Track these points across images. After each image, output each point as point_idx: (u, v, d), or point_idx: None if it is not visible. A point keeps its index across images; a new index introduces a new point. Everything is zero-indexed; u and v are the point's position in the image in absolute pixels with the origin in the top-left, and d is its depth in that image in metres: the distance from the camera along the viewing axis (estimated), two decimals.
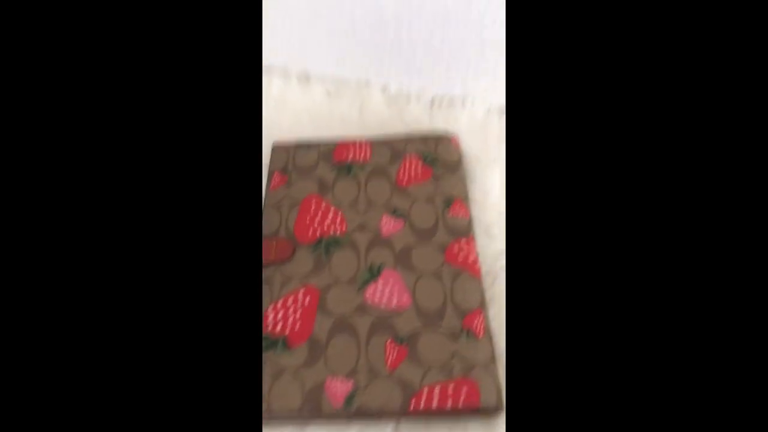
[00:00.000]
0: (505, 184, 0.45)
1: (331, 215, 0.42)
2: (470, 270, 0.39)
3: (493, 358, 0.35)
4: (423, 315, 0.37)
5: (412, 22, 0.48)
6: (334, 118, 0.52)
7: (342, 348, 0.35)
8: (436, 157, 0.45)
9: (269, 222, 0.42)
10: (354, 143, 0.47)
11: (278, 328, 0.36)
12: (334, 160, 0.45)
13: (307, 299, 0.38)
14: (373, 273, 0.39)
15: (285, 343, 0.36)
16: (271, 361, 0.35)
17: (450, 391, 0.33)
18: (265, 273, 0.39)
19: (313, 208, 0.42)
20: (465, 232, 0.41)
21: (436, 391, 0.34)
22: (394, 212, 0.42)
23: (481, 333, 0.36)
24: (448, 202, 0.42)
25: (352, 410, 0.33)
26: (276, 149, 0.47)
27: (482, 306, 0.37)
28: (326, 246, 0.40)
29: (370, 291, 0.38)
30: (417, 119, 0.51)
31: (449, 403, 0.33)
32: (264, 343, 0.36)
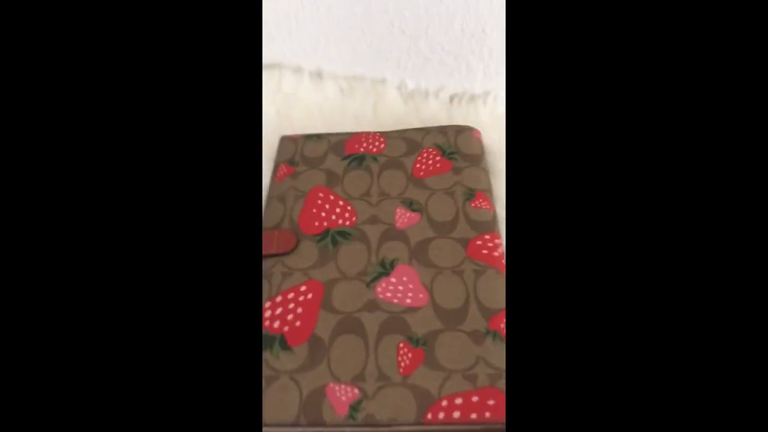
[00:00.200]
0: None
1: (339, 207, 0.38)
2: (496, 266, 0.34)
3: None
4: (442, 314, 0.32)
5: (430, 18, 0.46)
6: (347, 115, 0.49)
7: (348, 349, 0.31)
8: (457, 149, 0.42)
9: (272, 214, 0.38)
10: (367, 135, 0.43)
11: (276, 325, 0.32)
12: (345, 152, 0.42)
13: (310, 294, 0.33)
14: (386, 268, 0.34)
15: (283, 342, 0.31)
16: (265, 364, 0.30)
17: (474, 401, 0.28)
18: (265, 266, 0.35)
19: (320, 199, 0.39)
20: (489, 227, 0.36)
21: (458, 401, 0.28)
22: (410, 205, 0.38)
23: None
24: (470, 195, 0.38)
25: (358, 420, 0.28)
26: (284, 140, 0.44)
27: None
28: (333, 238, 0.36)
29: (381, 286, 0.33)
30: (435, 116, 0.48)
31: (473, 417, 0.28)
32: None
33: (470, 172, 0.40)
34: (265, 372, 0.30)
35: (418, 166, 0.41)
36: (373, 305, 0.32)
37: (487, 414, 0.28)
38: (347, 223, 0.37)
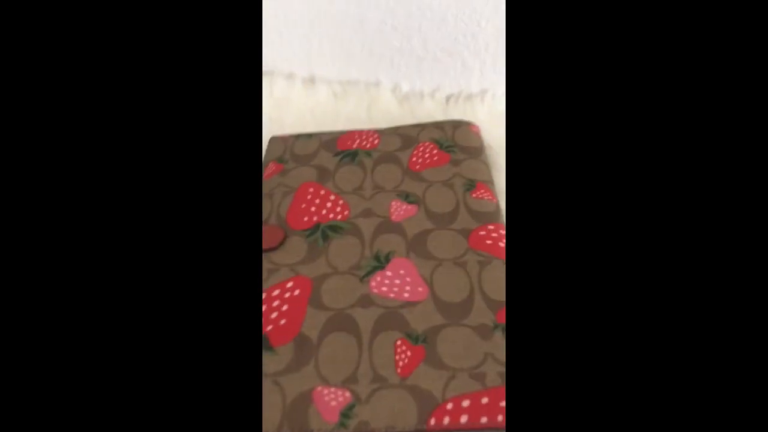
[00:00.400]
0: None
1: (331, 201, 0.36)
2: (503, 257, 0.31)
3: None
4: (444, 308, 0.28)
5: (422, 13, 0.45)
6: (340, 118, 0.47)
7: (338, 348, 0.27)
8: (454, 143, 0.39)
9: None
10: (360, 132, 0.41)
11: None
12: (337, 148, 0.40)
13: (297, 291, 0.30)
14: (380, 261, 0.31)
15: (265, 342, 0.28)
16: None
17: (484, 404, 0.24)
18: None
19: (310, 194, 0.36)
20: (493, 217, 0.34)
21: (465, 404, 0.24)
22: (407, 197, 0.35)
23: None
24: (470, 186, 0.36)
25: (350, 428, 0.24)
26: (273, 140, 0.42)
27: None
28: (324, 232, 0.33)
29: (376, 281, 0.30)
30: (431, 116, 0.46)
31: (483, 421, 0.24)
32: None
33: (470, 163, 0.37)
34: None
35: (414, 159, 0.38)
36: (366, 301, 0.29)
37: (500, 417, 0.24)
38: (339, 217, 0.34)
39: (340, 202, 0.35)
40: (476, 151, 0.39)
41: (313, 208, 0.35)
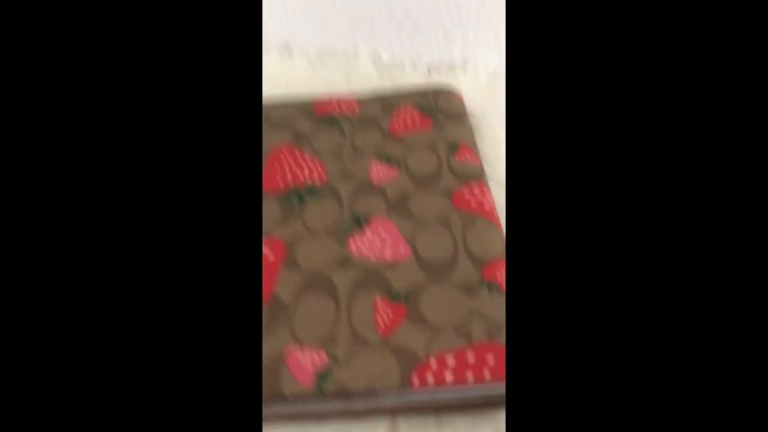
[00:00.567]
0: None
1: (307, 165, 0.34)
2: (487, 216, 0.30)
3: None
4: (427, 267, 0.27)
5: None
6: (317, 86, 0.45)
7: (314, 309, 0.25)
8: (437, 108, 0.38)
9: None
10: (339, 99, 0.40)
11: None
12: (314, 114, 0.38)
13: (270, 254, 0.28)
14: (359, 222, 0.30)
15: None
16: None
17: (470, 359, 0.23)
18: None
19: (284, 156, 0.34)
20: (476, 177, 0.32)
21: (450, 360, 0.23)
22: (388, 160, 0.34)
23: None
24: (453, 148, 0.34)
25: (328, 392, 0.22)
26: None
27: (505, 256, 0.28)
28: (299, 195, 0.31)
29: (355, 241, 0.28)
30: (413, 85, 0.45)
31: (470, 377, 0.22)
32: None
33: (453, 127, 0.36)
34: None
35: (395, 125, 0.37)
36: (345, 261, 0.27)
37: (487, 374, 0.22)
38: (316, 180, 0.32)
39: (317, 165, 0.33)
40: (459, 116, 0.37)
41: (287, 171, 0.33)
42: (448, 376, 0.22)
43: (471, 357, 0.23)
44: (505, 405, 0.24)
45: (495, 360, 0.23)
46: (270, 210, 0.30)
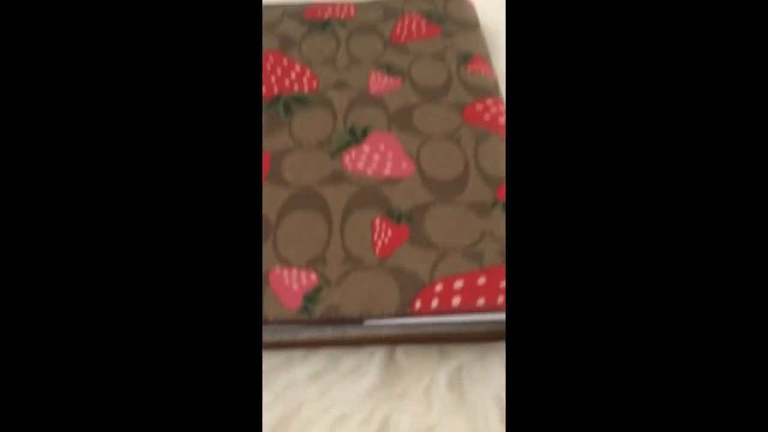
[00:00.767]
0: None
1: (295, 72, 0.29)
2: (503, 132, 0.26)
3: None
4: (433, 185, 0.23)
5: None
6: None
7: (302, 227, 0.22)
8: (446, 15, 0.33)
9: None
10: (333, 4, 0.35)
11: None
12: (304, 17, 0.33)
13: None
14: (356, 135, 0.26)
15: None
16: None
17: (481, 284, 0.20)
18: None
19: (270, 63, 0.30)
20: (491, 91, 0.28)
21: (458, 285, 0.20)
22: (388, 69, 0.29)
23: None
24: (465, 58, 0.30)
25: (316, 314, 0.20)
26: None
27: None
28: (286, 104, 0.27)
29: (350, 156, 0.25)
30: None
31: (480, 302, 0.20)
32: None
33: (464, 36, 0.32)
34: None
35: (398, 31, 0.32)
36: (338, 177, 0.24)
37: (500, 299, 0.20)
38: (305, 89, 0.28)
39: (307, 72, 0.29)
40: (471, 25, 0.33)
41: (273, 79, 0.29)
42: (456, 301, 0.20)
43: (482, 280, 0.20)
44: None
45: None
46: None
